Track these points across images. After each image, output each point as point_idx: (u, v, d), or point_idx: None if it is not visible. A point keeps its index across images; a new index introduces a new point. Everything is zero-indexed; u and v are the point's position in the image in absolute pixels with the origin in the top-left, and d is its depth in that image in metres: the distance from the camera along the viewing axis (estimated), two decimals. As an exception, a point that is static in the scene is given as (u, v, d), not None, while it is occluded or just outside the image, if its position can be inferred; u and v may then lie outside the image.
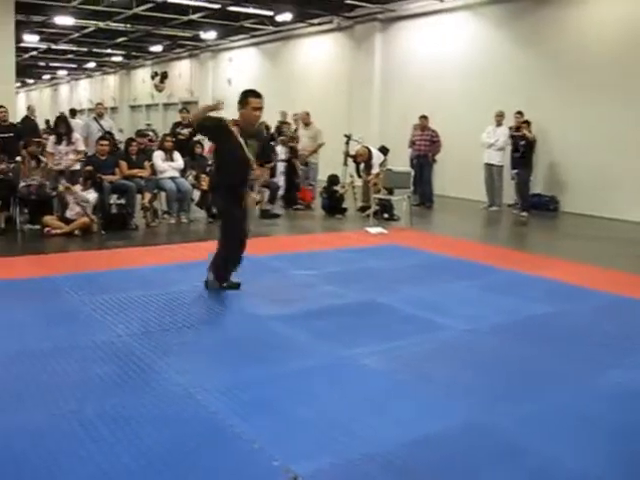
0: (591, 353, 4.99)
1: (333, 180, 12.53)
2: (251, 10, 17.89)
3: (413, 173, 11.98)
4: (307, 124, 14.08)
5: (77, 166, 10.52)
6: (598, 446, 3.50)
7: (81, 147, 10.70)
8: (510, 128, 13.15)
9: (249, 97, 6.15)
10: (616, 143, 12.37)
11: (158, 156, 10.83)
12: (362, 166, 12.49)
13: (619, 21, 12.42)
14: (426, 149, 14.18)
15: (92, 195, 9.57)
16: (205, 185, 11.00)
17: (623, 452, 3.44)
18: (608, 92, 12.47)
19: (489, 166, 13.35)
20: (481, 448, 3.46)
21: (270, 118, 15.94)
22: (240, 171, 6.16)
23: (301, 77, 20.79)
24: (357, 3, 16.74)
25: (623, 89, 12.25)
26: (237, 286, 6.38)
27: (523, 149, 12.72)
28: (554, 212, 13.29)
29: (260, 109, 6.22)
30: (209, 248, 8.56)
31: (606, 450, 3.45)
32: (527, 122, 12.83)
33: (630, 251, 9.33)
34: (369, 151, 12.24)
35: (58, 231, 9.22)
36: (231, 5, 17.17)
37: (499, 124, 13.24)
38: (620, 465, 3.30)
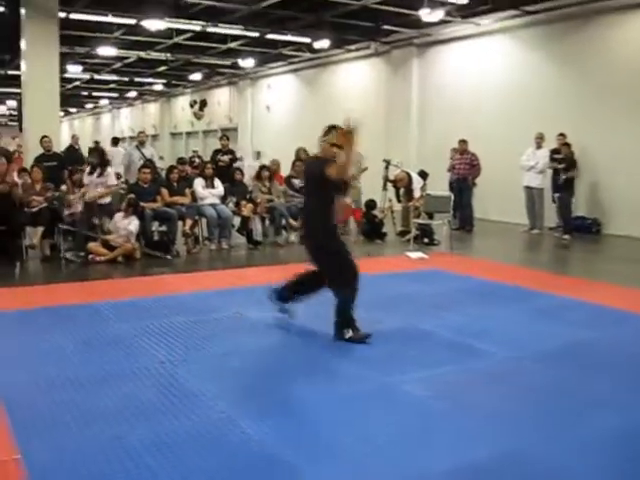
0: (635, 380, 4.90)
1: (371, 205, 12.53)
2: (289, 37, 18.08)
3: (453, 197, 11.92)
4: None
5: (107, 199, 10.12)
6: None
7: (112, 181, 10.25)
8: (551, 151, 13.05)
9: (350, 135, 5.93)
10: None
11: (199, 183, 10.95)
12: (402, 191, 12.49)
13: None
14: (466, 172, 14.12)
15: (134, 223, 9.69)
16: (246, 211, 11.11)
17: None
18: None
19: (529, 189, 13.23)
20: (522, 478, 3.42)
21: (313, 143, 16.11)
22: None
23: (339, 102, 20.86)
24: (394, 28, 16.82)
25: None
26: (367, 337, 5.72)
27: (564, 174, 12.59)
28: (597, 235, 13.11)
29: (339, 146, 5.97)
30: (250, 274, 8.71)
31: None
32: (567, 144, 12.73)
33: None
34: (409, 176, 12.24)
35: (102, 258, 9.35)
36: (269, 33, 17.38)
37: (539, 146, 13.13)
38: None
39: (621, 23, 13.00)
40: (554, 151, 13.02)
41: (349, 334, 5.65)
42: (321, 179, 5.65)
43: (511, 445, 3.77)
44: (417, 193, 11.90)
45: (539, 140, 13.09)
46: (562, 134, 12.94)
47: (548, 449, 3.73)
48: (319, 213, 5.79)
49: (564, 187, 12.70)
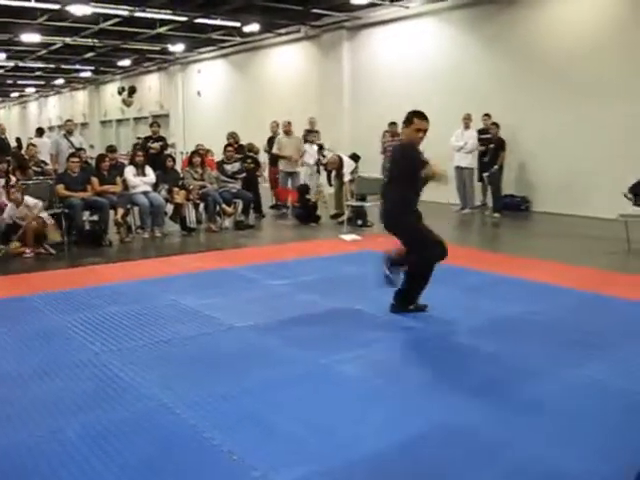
0: (565, 350, 5.07)
1: (304, 189, 12.59)
2: (218, 22, 17.91)
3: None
4: (289, 133, 14.06)
5: None
6: (575, 441, 3.56)
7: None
8: (478, 131, 13.32)
9: (414, 118, 5.81)
10: (584, 142, 12.55)
11: (129, 171, 10.82)
12: (333, 174, 12.56)
13: (587, 22, 12.61)
14: (396, 155, 14.24)
15: (30, 200, 9.38)
16: (179, 198, 11.03)
17: (601, 446, 3.50)
18: (575, 93, 12.66)
19: (459, 169, 13.47)
20: (461, 449, 3.51)
21: (245, 127, 16.04)
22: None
23: (270, 86, 20.86)
24: (323, 12, 16.82)
25: (591, 90, 12.43)
26: (425, 307, 6.04)
27: (493, 151, 12.87)
28: (526, 212, 13.45)
29: (424, 131, 5.80)
30: (184, 262, 8.66)
31: (583, 445, 3.52)
32: (495, 124, 12.99)
33: (601, 248, 9.46)
34: (340, 159, 12.31)
35: (27, 250, 9.14)
36: (198, 17, 17.18)
37: (467, 127, 13.39)
38: (598, 459, 3.36)
39: (545, 5, 13.28)
40: (481, 131, 13.29)
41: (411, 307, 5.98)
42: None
43: (447, 418, 3.87)
44: (347, 177, 11.99)
45: (467, 121, 13.34)
46: (487, 114, 13.22)
47: (484, 420, 3.84)
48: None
49: (492, 166, 12.97)
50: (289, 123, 14.03)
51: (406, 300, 6.01)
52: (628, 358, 4.88)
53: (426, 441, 3.59)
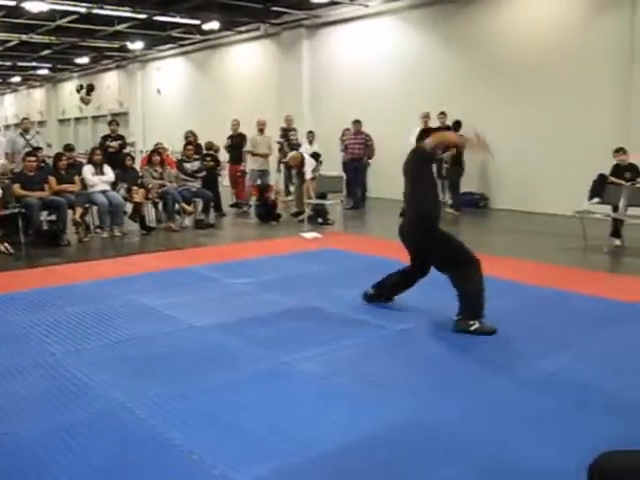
0: (523, 345, 5.14)
1: (264, 188, 12.59)
2: (178, 19, 17.79)
3: (345, 177, 12.09)
4: (263, 131, 14.02)
5: None
6: (533, 436, 3.60)
7: None
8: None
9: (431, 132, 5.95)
10: (538, 140, 12.74)
11: (88, 170, 10.70)
12: (294, 172, 12.56)
13: (542, 22, 12.79)
14: (360, 152, 14.33)
15: None
16: (138, 197, 10.93)
17: (559, 441, 3.55)
18: (531, 92, 12.84)
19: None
20: (422, 446, 3.52)
21: (205, 125, 15.94)
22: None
23: (231, 84, 20.77)
24: (283, 10, 16.80)
25: (545, 89, 12.63)
26: (494, 331, 5.40)
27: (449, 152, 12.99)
28: (484, 209, 13.60)
29: None
30: (144, 261, 8.59)
31: (541, 440, 3.56)
32: (458, 122, 13.09)
33: (558, 244, 9.60)
34: (302, 157, 12.32)
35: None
36: (157, 15, 17.03)
37: (426, 125, 13.47)
38: (555, 453, 3.41)
39: (502, 5, 13.43)
40: (437, 129, 13.39)
41: (475, 325, 5.36)
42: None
43: (409, 414, 3.89)
44: (308, 175, 12.00)
45: (425, 119, 13.45)
46: (443, 113, 13.34)
47: (446, 417, 3.87)
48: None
49: (451, 163, 13.09)
50: (263, 122, 14.00)
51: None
52: (585, 353, 4.96)
53: (387, 438, 3.60)
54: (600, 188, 9.57)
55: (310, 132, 14.67)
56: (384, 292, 6.20)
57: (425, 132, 5.98)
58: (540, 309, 6.20)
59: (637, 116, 11.23)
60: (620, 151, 9.52)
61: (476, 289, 5.42)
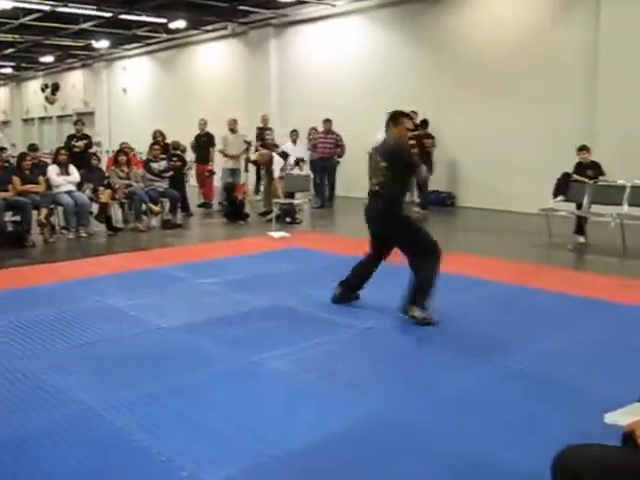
0: (490, 341, 5.20)
1: (230, 187, 12.57)
2: (143, 18, 17.66)
3: (313, 176, 12.13)
4: (234, 130, 13.97)
5: None
6: (499, 431, 3.65)
7: None
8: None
9: (402, 117, 5.88)
10: (505, 139, 12.87)
11: (53, 170, 10.59)
12: (263, 171, 12.55)
13: (507, 23, 12.94)
14: (331, 152, 14.37)
15: None
16: (104, 198, 10.84)
17: (523, 435, 3.60)
18: (497, 92, 12.99)
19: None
20: (389, 442, 3.55)
21: (172, 125, 15.84)
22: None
23: (198, 84, 20.69)
24: (250, 9, 16.77)
25: (511, 88, 12.78)
26: (433, 324, 5.61)
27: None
28: (452, 207, 13.71)
29: (410, 130, 6.00)
30: (110, 262, 8.53)
31: (507, 434, 3.61)
32: (425, 121, 13.18)
33: (521, 241, 9.72)
34: (271, 155, 12.30)
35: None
36: (123, 13, 16.89)
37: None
38: (520, 448, 3.45)
39: (468, 5, 13.55)
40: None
41: (417, 313, 5.58)
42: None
43: (377, 411, 3.92)
44: (276, 173, 12.00)
45: (390, 118, 13.51)
46: (414, 111, 13.39)
47: (413, 412, 3.90)
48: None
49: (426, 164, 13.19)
50: (234, 121, 13.95)
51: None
52: (549, 348, 5.03)
53: (355, 436, 3.62)
54: (564, 186, 9.71)
55: (294, 131, 14.37)
56: (351, 288, 6.26)
57: (401, 115, 5.94)
58: (505, 305, 6.28)
59: (602, 115, 11.39)
60: (583, 150, 9.65)
61: (429, 281, 5.65)
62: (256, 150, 13.52)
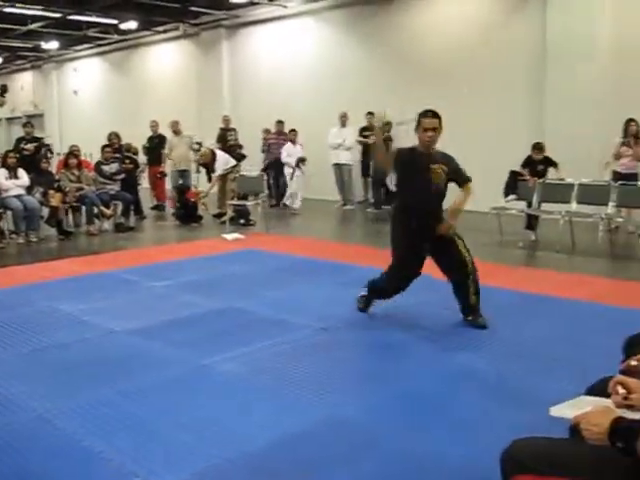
0: (440, 339, 5.27)
1: (182, 189, 12.51)
2: (94, 19, 17.44)
3: (266, 177, 12.12)
4: (177, 132, 13.83)
5: None
6: (449, 428, 3.70)
7: None
8: (361, 129, 13.58)
9: (420, 118, 5.51)
10: (456, 138, 12.91)
11: (1, 174, 10.39)
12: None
13: (457, 23, 13.08)
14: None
15: None
16: (54, 201, 10.68)
17: (474, 431, 3.66)
18: (450, 91, 13.08)
19: (338, 166, 13.72)
20: (343, 443, 3.57)
21: (125, 127, 15.65)
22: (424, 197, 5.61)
23: (150, 85, 20.51)
24: (202, 10, 16.69)
25: (464, 86, 12.91)
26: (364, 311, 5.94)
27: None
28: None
29: (432, 129, 5.49)
30: (61, 266, 8.41)
31: (458, 431, 3.66)
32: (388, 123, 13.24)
33: (474, 240, 9.79)
34: (213, 153, 12.21)
35: None
36: (72, 14, 16.66)
37: (343, 125, 13.65)
38: (471, 444, 3.51)
39: (419, 6, 13.67)
40: (365, 129, 13.54)
41: (362, 293, 5.89)
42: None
43: (330, 412, 3.94)
44: (217, 172, 11.91)
45: (344, 119, 13.64)
46: (370, 112, 13.47)
47: (367, 411, 3.94)
48: None
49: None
50: (176, 122, 13.83)
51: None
52: (502, 345, 5.12)
53: (309, 437, 3.64)
54: (513, 185, 9.87)
55: (292, 130, 14.00)
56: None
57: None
58: (455, 303, 6.32)
59: (550, 114, 11.60)
60: (536, 148, 9.79)
61: (385, 287, 5.76)
62: (197, 150, 13.36)
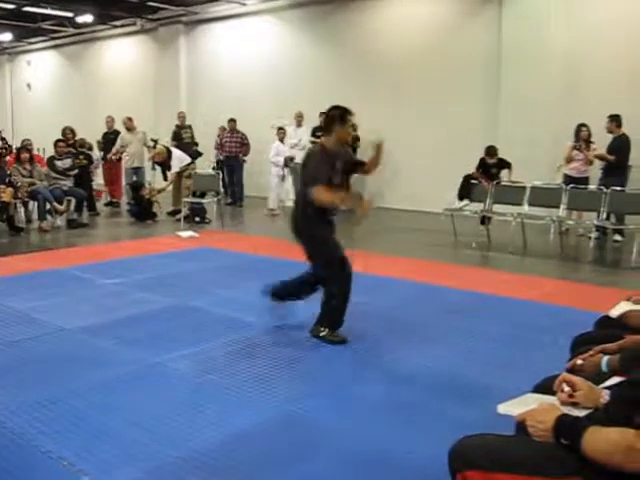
0: (393, 339, 5.30)
1: (137, 185, 12.40)
2: (49, 11, 17.16)
3: (221, 175, 12.06)
4: (130, 129, 13.65)
5: None
6: (398, 425, 3.73)
7: None
8: (314, 128, 13.57)
9: (347, 115, 5.38)
10: (410, 140, 13.09)
11: (-50, 168, 10.21)
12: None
13: (411, 25, 13.20)
14: (237, 151, 14.40)
15: None
16: (6, 196, 10.49)
17: (425, 427, 3.70)
18: (406, 92, 13.24)
19: (294, 165, 13.71)
20: (292, 439, 3.59)
21: (80, 122, 15.44)
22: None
23: (106, 80, 20.27)
24: (160, 5, 16.56)
25: (418, 89, 13.05)
26: (345, 340, 5.26)
27: None
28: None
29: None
30: (13, 262, 8.27)
31: (407, 428, 3.70)
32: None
33: (428, 241, 9.94)
34: (168, 151, 12.12)
35: None
36: (27, 5, 16.39)
37: (299, 124, 13.66)
38: (420, 440, 3.54)
39: (376, 6, 13.76)
40: (318, 128, 13.53)
41: (324, 332, 5.26)
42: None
43: (279, 410, 3.95)
44: (173, 169, 11.83)
45: (299, 119, 13.64)
46: (324, 113, 13.50)
47: (317, 410, 3.95)
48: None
49: None
50: (130, 119, 13.66)
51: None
52: (454, 345, 5.17)
53: (260, 435, 3.64)
54: (468, 190, 10.00)
55: (280, 129, 13.51)
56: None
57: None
58: (411, 303, 6.41)
59: (504, 117, 11.77)
60: (489, 154, 9.94)
61: (341, 302, 5.30)
62: (153, 147, 13.11)
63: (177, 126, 14.62)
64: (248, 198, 14.63)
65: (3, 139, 15.66)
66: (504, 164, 9.92)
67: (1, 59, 24.72)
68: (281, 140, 13.39)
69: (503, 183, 9.83)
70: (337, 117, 5.38)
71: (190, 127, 14.65)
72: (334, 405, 4.04)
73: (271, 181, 13.25)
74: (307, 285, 5.56)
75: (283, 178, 13.19)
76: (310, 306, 5.93)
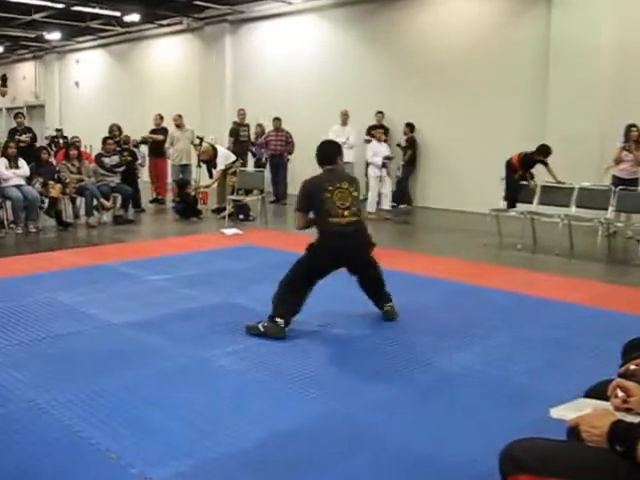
0: (437, 339, 5.27)
1: (182, 183, 12.50)
2: (97, 10, 17.40)
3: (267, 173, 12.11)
4: (180, 126, 13.81)
5: None
6: (449, 429, 3.70)
7: None
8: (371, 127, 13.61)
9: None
10: (460, 140, 13.01)
11: (1, 163, 10.39)
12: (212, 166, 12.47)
13: (460, 23, 13.07)
14: (281, 149, 14.45)
15: None
16: (54, 192, 10.67)
17: (473, 434, 3.66)
18: (451, 91, 13.13)
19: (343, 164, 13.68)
20: (337, 437, 3.58)
21: (126, 120, 15.64)
22: None
23: (152, 79, 20.47)
24: (206, 4, 16.67)
25: (467, 88, 12.92)
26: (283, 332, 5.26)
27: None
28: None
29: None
30: (60, 257, 8.41)
31: (457, 432, 3.66)
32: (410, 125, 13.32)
33: (473, 241, 9.85)
34: (214, 149, 12.20)
35: None
36: (75, 5, 16.63)
37: (344, 123, 13.65)
38: (469, 446, 3.51)
39: (424, 5, 13.66)
40: (373, 127, 13.54)
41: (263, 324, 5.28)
42: None
43: (324, 408, 3.95)
44: (219, 167, 11.90)
45: (344, 117, 13.64)
46: (380, 112, 13.55)
47: (363, 408, 3.94)
48: None
49: (404, 166, 13.50)
50: (179, 116, 13.82)
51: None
52: (500, 347, 5.12)
53: (306, 432, 3.65)
54: (514, 193, 9.85)
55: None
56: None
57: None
58: (456, 304, 6.36)
59: (552, 115, 11.59)
60: (544, 152, 9.76)
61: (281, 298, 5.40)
62: (198, 145, 13.16)
63: (236, 123, 14.70)
64: (291, 196, 14.64)
65: (65, 137, 16.04)
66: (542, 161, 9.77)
67: (50, 57, 25.13)
68: (378, 139, 12.50)
69: (550, 184, 9.69)
70: None
71: (248, 126, 14.72)
72: (381, 404, 4.02)
73: (369, 182, 12.46)
74: (375, 292, 5.79)
75: (381, 179, 12.35)
76: (358, 306, 5.96)
